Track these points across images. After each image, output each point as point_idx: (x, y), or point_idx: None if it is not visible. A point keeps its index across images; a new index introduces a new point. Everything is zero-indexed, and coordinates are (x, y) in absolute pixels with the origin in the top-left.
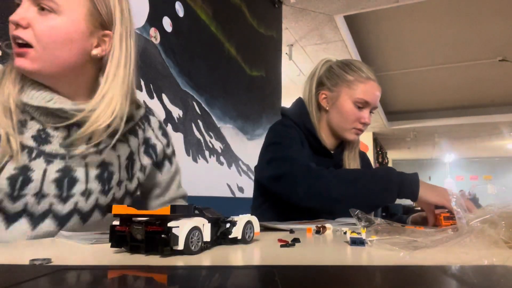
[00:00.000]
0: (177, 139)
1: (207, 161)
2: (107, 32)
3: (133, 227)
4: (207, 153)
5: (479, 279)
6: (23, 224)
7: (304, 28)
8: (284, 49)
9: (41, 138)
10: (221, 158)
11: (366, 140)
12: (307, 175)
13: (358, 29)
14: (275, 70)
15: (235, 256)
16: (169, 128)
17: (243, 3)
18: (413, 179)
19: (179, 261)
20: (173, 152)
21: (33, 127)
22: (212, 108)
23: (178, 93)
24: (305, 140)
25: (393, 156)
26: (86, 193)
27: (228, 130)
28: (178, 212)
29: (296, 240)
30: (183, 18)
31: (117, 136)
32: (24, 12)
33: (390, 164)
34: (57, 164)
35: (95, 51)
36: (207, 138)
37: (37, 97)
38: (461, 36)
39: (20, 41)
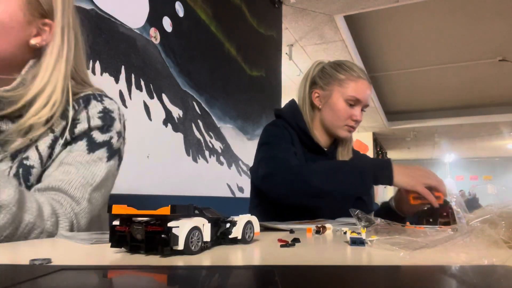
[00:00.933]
0: (177, 139)
1: (207, 161)
2: (47, 21)
3: (133, 227)
4: (207, 153)
5: (479, 279)
6: None
7: (304, 28)
8: (284, 49)
9: None
10: (221, 158)
11: (366, 140)
12: (288, 173)
13: (358, 29)
14: (275, 70)
15: (235, 256)
16: (169, 128)
17: (243, 3)
18: (385, 165)
19: (179, 261)
20: (110, 139)
21: None
22: (212, 108)
23: (178, 93)
24: (298, 139)
25: (393, 156)
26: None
27: (228, 130)
28: (178, 212)
29: (296, 240)
30: (183, 18)
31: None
32: None
33: None
34: None
35: (34, 41)
36: (207, 138)
37: None
38: (461, 36)
39: None
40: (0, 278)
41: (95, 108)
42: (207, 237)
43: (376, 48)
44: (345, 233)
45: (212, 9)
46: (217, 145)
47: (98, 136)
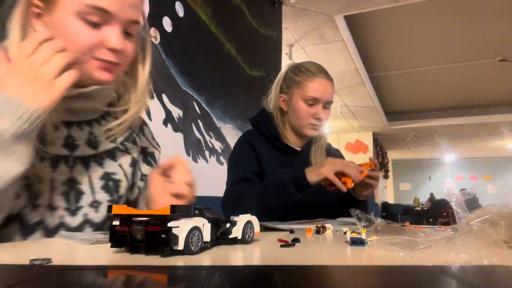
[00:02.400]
0: (177, 139)
1: (207, 161)
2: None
3: (133, 227)
4: (207, 153)
5: (479, 279)
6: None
7: (304, 28)
8: (284, 49)
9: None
10: (221, 158)
11: (366, 140)
12: (236, 206)
13: (358, 29)
14: (275, 70)
15: (235, 256)
16: (169, 128)
17: (243, 3)
18: (299, 171)
19: (179, 261)
20: None
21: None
22: (212, 108)
23: (178, 93)
24: (270, 144)
25: (393, 156)
26: (94, 204)
27: (228, 130)
28: (178, 212)
29: (296, 240)
30: (183, 18)
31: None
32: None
33: (390, 164)
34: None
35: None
36: (207, 138)
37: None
38: (461, 36)
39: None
40: (0, 278)
41: (149, 133)
42: (207, 237)
43: (376, 48)
44: (345, 233)
45: (212, 9)
46: (217, 145)
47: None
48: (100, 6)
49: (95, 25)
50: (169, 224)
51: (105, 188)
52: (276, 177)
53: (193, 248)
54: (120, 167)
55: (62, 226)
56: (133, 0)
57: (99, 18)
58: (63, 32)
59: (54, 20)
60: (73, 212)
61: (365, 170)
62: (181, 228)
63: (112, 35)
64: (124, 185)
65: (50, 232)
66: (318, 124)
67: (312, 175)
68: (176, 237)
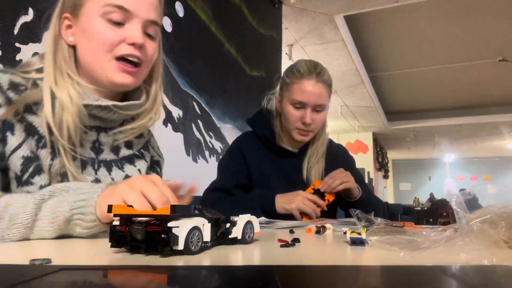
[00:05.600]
0: (177, 139)
1: (207, 161)
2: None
3: (133, 227)
4: (207, 153)
5: (479, 279)
6: None
7: (304, 28)
8: (284, 49)
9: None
10: None
11: (366, 140)
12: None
13: (358, 29)
14: (275, 70)
15: (235, 256)
16: (169, 128)
17: (243, 3)
18: (270, 201)
19: (179, 261)
20: None
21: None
22: (212, 108)
23: (178, 93)
24: (264, 146)
25: (393, 156)
26: None
27: (228, 130)
28: (178, 212)
29: (296, 240)
30: (183, 18)
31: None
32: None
33: (390, 164)
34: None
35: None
36: (207, 138)
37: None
38: (461, 36)
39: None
40: (0, 278)
41: (155, 142)
42: (207, 237)
43: (376, 48)
44: (345, 233)
45: (212, 9)
46: (217, 145)
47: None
48: (120, 4)
49: (117, 24)
50: (169, 224)
51: None
52: (248, 197)
53: (193, 248)
54: (139, 172)
55: None
56: (149, 0)
57: (120, 17)
58: (90, 33)
59: (81, 27)
60: None
61: (327, 198)
62: (181, 228)
63: (132, 30)
64: None
65: None
66: (306, 130)
67: (279, 208)
68: (176, 237)
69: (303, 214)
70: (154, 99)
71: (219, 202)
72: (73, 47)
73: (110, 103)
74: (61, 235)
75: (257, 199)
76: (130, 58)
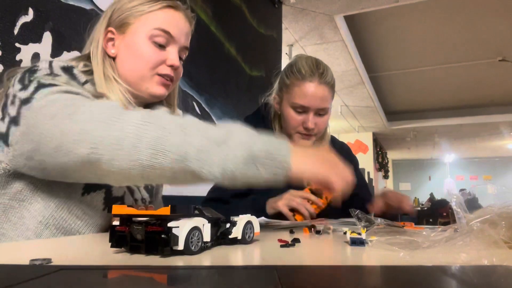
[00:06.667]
0: None
1: None
2: None
3: (133, 227)
4: None
5: (479, 279)
6: None
7: (304, 28)
8: (284, 49)
9: None
10: None
11: (366, 140)
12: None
13: (358, 29)
14: (275, 70)
15: (235, 256)
16: None
17: (243, 3)
18: (260, 202)
19: (179, 261)
20: None
21: None
22: (212, 108)
23: (178, 93)
24: None
25: (393, 156)
26: (143, 201)
27: None
28: (178, 212)
29: (296, 240)
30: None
31: None
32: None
33: (390, 164)
34: None
35: None
36: None
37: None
38: (461, 36)
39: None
40: (0, 278)
41: None
42: (207, 237)
43: (376, 48)
44: (345, 233)
45: (212, 9)
46: None
47: None
48: (167, 29)
49: (161, 47)
50: (169, 224)
51: (146, 189)
52: (242, 204)
53: (193, 248)
54: None
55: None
56: (187, 29)
57: (164, 41)
58: (136, 50)
59: (125, 43)
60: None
61: (323, 202)
62: (181, 228)
63: (172, 54)
64: (159, 189)
65: None
66: (307, 134)
67: (269, 208)
68: (176, 237)
69: (296, 212)
70: (175, 112)
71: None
72: (113, 58)
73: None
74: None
75: (249, 205)
76: (166, 78)
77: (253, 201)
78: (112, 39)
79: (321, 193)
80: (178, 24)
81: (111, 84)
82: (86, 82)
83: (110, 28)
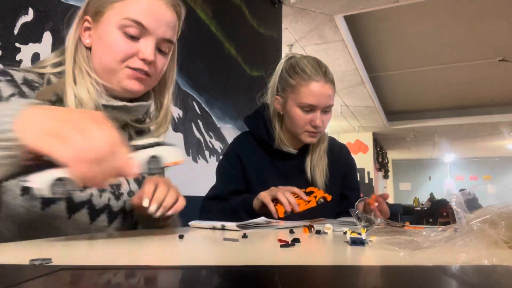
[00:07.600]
0: (177, 139)
1: (207, 161)
2: None
3: None
4: (207, 153)
5: (479, 279)
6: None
7: (304, 28)
8: (284, 49)
9: None
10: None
11: (366, 140)
12: (205, 217)
13: (358, 29)
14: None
15: (235, 256)
16: (168, 128)
17: (243, 3)
18: (249, 198)
19: (179, 261)
20: None
21: None
22: (212, 108)
23: (178, 93)
24: (261, 148)
25: (393, 156)
26: (131, 194)
27: (228, 130)
28: None
29: (296, 240)
30: (183, 18)
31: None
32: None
33: (390, 164)
34: None
35: None
36: (207, 138)
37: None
38: (461, 36)
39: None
40: (0, 278)
41: None
42: None
43: (376, 48)
44: (345, 233)
45: (212, 9)
46: (217, 145)
47: None
48: (138, 20)
49: (133, 38)
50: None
51: (137, 181)
52: (234, 202)
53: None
54: None
55: (107, 208)
56: (167, 20)
57: (136, 32)
58: (106, 41)
59: (98, 32)
60: (117, 197)
61: (311, 201)
62: None
63: (145, 47)
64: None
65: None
66: (315, 132)
67: (254, 200)
68: None
69: (277, 202)
70: (166, 113)
71: (213, 210)
72: (89, 49)
73: (121, 103)
74: None
75: (241, 202)
76: (139, 71)
77: (244, 198)
78: (89, 28)
79: (314, 193)
80: (156, 13)
81: (81, 76)
82: (31, 82)
83: (87, 17)
